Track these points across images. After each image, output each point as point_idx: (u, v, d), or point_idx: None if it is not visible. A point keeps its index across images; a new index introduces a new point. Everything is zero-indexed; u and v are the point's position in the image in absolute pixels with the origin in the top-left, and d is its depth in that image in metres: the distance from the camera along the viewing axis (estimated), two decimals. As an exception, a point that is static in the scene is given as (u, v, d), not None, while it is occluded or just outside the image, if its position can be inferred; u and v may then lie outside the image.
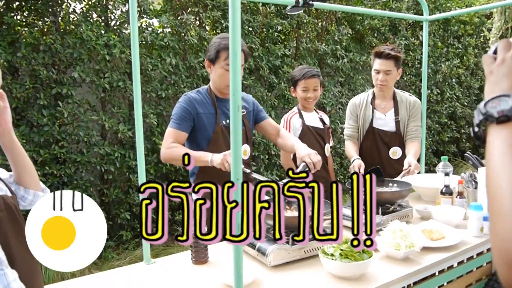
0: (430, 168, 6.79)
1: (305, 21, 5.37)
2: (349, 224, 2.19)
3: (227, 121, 2.29)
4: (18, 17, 3.65)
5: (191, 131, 2.25)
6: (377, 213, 2.19)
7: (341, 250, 1.65)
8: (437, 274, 1.86)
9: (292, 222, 1.78)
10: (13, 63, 3.50)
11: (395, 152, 2.88)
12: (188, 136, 2.25)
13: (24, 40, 3.54)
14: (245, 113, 2.35)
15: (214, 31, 4.80)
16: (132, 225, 4.22)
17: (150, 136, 4.26)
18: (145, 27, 4.26)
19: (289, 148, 2.37)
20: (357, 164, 2.68)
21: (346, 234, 1.76)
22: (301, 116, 2.84)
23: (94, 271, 3.48)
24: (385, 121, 2.90)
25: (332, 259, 1.63)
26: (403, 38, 6.55)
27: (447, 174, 2.44)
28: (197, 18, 4.59)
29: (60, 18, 3.78)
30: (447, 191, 2.40)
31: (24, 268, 1.20)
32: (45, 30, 3.74)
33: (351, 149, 2.88)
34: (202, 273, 1.73)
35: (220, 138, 2.26)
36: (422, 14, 3.34)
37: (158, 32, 4.34)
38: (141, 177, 1.89)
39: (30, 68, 3.58)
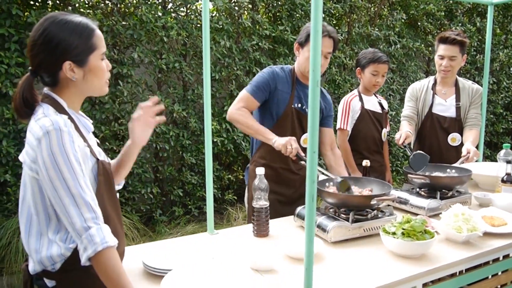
0: (482, 159, 6.57)
1: (358, 5, 5.29)
2: (406, 207, 2.22)
3: (299, 105, 2.33)
4: (83, -1, 3.83)
5: (263, 103, 2.30)
6: (435, 198, 2.19)
7: (403, 229, 1.67)
8: (491, 263, 1.84)
9: (352, 200, 1.83)
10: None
11: (454, 139, 2.83)
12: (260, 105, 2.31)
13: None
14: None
15: (267, 15, 4.83)
16: (184, 202, 4.39)
17: (203, 117, 4.38)
18: (200, 10, 4.35)
19: (333, 171, 2.41)
20: (404, 133, 2.60)
21: (408, 215, 1.79)
22: (361, 99, 2.84)
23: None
24: (445, 107, 2.85)
25: (394, 237, 1.66)
26: (460, 24, 6.31)
27: (509, 162, 2.38)
28: (251, 1, 4.63)
29: (121, 1, 3.93)
30: (508, 179, 2.35)
31: (113, 226, 1.32)
32: (108, 12, 3.91)
33: (405, 126, 2.81)
34: (264, 245, 1.81)
35: (288, 120, 2.30)
36: (486, -2, 3.22)
37: (213, 15, 4.42)
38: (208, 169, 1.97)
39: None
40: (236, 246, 1.83)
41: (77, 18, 1.34)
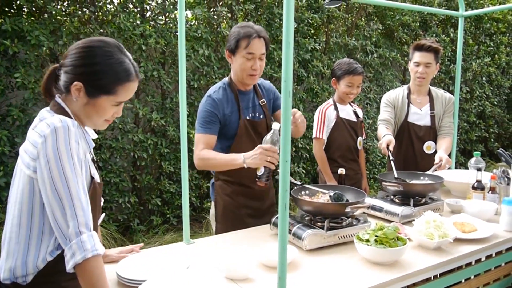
0: (456, 166, 6.72)
1: (335, 15, 5.38)
2: (380, 214, 2.25)
3: (251, 114, 2.29)
4: (59, 7, 3.78)
5: None
6: (409, 205, 2.24)
7: (376, 236, 1.70)
8: (464, 267, 1.89)
9: (327, 208, 1.86)
10: (55, 51, 3.65)
11: (429, 147, 2.90)
12: None
13: (65, 29, 3.67)
14: (265, 103, 2.34)
15: (246, 24, 4.86)
16: (162, 211, 4.35)
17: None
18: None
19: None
20: (386, 139, 2.62)
21: (381, 223, 1.82)
22: (336, 108, 2.88)
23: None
24: (420, 116, 2.91)
25: (367, 244, 1.69)
26: (434, 35, 6.48)
27: (479, 170, 2.45)
28: (230, 11, 4.66)
29: (99, 8, 3.90)
30: (479, 186, 2.42)
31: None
32: (85, 19, 3.88)
33: (383, 130, 2.82)
34: (240, 253, 1.81)
35: (243, 134, 2.26)
36: (454, 10, 3.32)
37: (192, 23, 4.43)
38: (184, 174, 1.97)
39: (70, 56, 3.71)
40: (212, 255, 1.83)
41: (125, 58, 1.35)
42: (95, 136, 1.52)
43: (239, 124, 2.23)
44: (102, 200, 1.57)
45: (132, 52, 4.04)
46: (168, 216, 4.34)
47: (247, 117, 2.27)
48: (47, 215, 1.27)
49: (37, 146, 1.24)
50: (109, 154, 3.92)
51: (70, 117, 1.33)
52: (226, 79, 2.32)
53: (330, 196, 1.94)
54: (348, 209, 1.84)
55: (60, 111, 1.34)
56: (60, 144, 1.22)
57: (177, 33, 4.29)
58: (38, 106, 3.59)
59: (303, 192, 2.08)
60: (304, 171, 5.22)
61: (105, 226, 3.86)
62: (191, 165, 4.51)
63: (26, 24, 3.42)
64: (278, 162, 1.98)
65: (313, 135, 2.86)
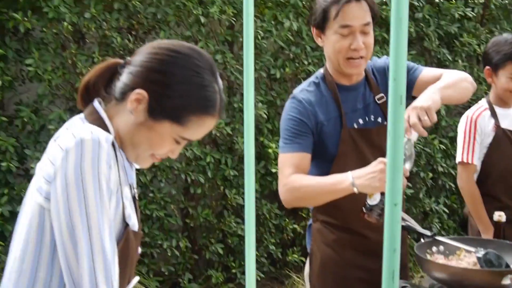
0: None
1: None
2: None
3: (359, 122, 2.29)
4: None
5: None
6: None
7: None
8: None
9: (473, 277, 1.80)
10: (80, 27, 3.86)
11: None
12: None
13: (93, -4, 3.88)
14: (384, 99, 2.31)
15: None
16: (225, 263, 4.39)
17: (256, 135, 4.36)
18: (255, -25, 4.41)
19: None
20: None
21: None
22: (493, 114, 2.85)
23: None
24: None
25: None
26: None
27: None
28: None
29: (141, -35, 4.08)
30: None
31: None
32: (122, -19, 4.07)
33: None
34: None
35: (348, 152, 2.25)
36: None
37: (273, -18, 4.48)
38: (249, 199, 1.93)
39: (100, 34, 3.91)
40: None
41: (215, 84, 1.44)
42: (138, 165, 1.56)
43: (341, 136, 2.23)
44: (140, 249, 1.60)
45: (187, 26, 4.17)
46: (233, 270, 4.37)
47: (355, 125, 2.27)
48: (58, 263, 1.32)
49: (56, 164, 1.29)
50: (150, 176, 4.05)
51: (107, 130, 1.39)
52: (320, 70, 2.35)
53: (478, 257, 1.92)
54: (507, 281, 1.78)
55: (98, 122, 1.40)
56: (86, 163, 1.27)
57: (252, -2, 4.34)
58: (56, 105, 3.81)
59: (434, 249, 2.09)
60: (447, 211, 5.03)
61: (142, 281, 3.97)
62: (269, 195, 4.54)
63: (43, -9, 3.66)
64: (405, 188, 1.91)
65: (458, 159, 2.85)
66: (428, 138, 4.83)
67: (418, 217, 5.08)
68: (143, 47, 1.46)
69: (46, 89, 3.71)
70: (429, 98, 1.96)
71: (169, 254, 4.18)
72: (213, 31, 4.32)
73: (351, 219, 2.23)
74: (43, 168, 1.34)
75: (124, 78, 1.41)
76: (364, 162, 2.17)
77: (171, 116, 1.39)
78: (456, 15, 4.94)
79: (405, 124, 1.86)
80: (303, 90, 2.28)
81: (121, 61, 1.46)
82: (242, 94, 4.34)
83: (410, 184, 4.89)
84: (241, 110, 4.34)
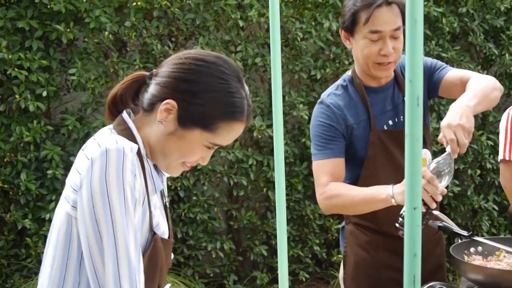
0: None
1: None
2: None
3: (389, 123, 2.26)
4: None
5: None
6: None
7: None
8: None
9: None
10: (120, 35, 3.94)
11: None
12: None
13: (134, 4, 3.95)
14: None
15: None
16: (270, 264, 4.41)
17: (298, 136, 4.40)
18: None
19: None
20: None
21: None
22: None
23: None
24: None
25: None
26: None
27: None
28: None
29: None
30: None
31: None
32: (161, -11, 4.13)
33: None
34: None
35: (378, 154, 2.22)
36: None
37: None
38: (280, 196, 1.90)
39: (141, 42, 3.98)
40: None
41: (242, 91, 1.45)
42: (168, 173, 1.57)
43: (370, 139, 2.21)
44: (172, 255, 1.62)
45: (226, 30, 4.20)
46: (278, 271, 4.36)
47: (385, 127, 2.25)
48: (85, 270, 1.34)
49: (82, 173, 1.33)
50: (193, 180, 4.10)
51: (134, 140, 1.41)
52: (348, 72, 2.32)
53: None
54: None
55: (125, 132, 1.43)
56: (111, 172, 1.29)
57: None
58: (100, 113, 3.89)
59: (472, 249, 2.04)
60: (497, 208, 4.93)
61: (189, 283, 4.02)
62: (312, 195, 4.51)
63: (84, 1, 3.75)
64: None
65: (500, 157, 2.82)
66: (475, 134, 4.73)
67: (466, 215, 4.99)
68: (169, 58, 1.48)
69: (89, 97, 3.80)
70: (464, 116, 1.88)
71: (213, 256, 4.22)
72: (253, 34, 4.34)
73: (384, 223, 2.20)
74: (71, 178, 1.37)
75: (152, 89, 1.43)
76: (394, 165, 2.18)
77: (200, 124, 1.40)
78: (502, 8, 4.82)
79: (452, 145, 1.84)
80: (330, 94, 2.25)
81: (147, 73, 1.49)
82: (283, 96, 4.34)
83: (457, 182, 4.82)
84: (284, 112, 4.32)
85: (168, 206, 1.57)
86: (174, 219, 4.09)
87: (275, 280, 4.41)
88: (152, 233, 1.42)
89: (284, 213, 1.90)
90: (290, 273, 4.39)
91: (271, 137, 4.27)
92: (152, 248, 1.41)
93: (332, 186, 2.13)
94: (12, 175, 3.71)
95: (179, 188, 4.06)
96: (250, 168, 4.23)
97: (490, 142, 4.83)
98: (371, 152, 2.20)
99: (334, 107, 2.20)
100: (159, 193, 1.54)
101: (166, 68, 1.44)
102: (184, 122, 1.40)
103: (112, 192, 1.28)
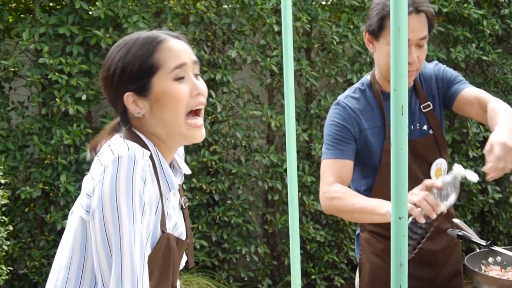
0: None
1: None
2: None
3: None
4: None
5: None
6: None
7: None
8: None
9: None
10: (158, 40, 3.99)
11: None
12: None
13: (171, 9, 4.00)
14: (430, 107, 2.27)
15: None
16: (305, 269, 4.39)
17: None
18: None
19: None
20: None
21: None
22: None
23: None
24: None
25: None
26: None
27: None
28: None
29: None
30: None
31: None
32: (197, -6, 4.18)
33: None
34: None
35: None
36: None
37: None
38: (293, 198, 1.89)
39: (178, 46, 4.02)
40: None
41: (142, 33, 1.48)
42: (188, 171, 1.60)
43: (384, 146, 2.19)
44: (185, 257, 1.63)
45: (262, 35, 4.22)
46: (313, 277, 4.37)
47: None
48: None
49: (95, 179, 1.36)
50: (228, 184, 4.13)
51: (145, 145, 1.44)
52: (367, 76, 2.30)
53: None
54: None
55: (132, 137, 1.45)
56: (121, 178, 1.31)
57: (326, 3, 4.35)
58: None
59: (491, 259, 2.00)
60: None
61: (223, 287, 4.03)
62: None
63: (123, 7, 3.82)
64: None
65: None
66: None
67: (509, 222, 4.91)
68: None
69: (128, 101, 3.84)
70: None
71: (248, 259, 4.23)
72: (288, 38, 4.34)
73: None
74: (86, 183, 1.41)
75: (117, 115, 1.51)
76: (409, 173, 2.15)
77: (148, 75, 1.41)
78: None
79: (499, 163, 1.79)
80: (347, 96, 2.25)
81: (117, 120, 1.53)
82: (319, 101, 4.35)
83: (498, 188, 4.74)
84: (318, 117, 4.34)
85: (185, 206, 1.57)
86: (209, 222, 4.13)
87: (309, 285, 4.41)
88: (161, 232, 1.43)
89: (297, 212, 1.88)
90: (325, 279, 4.38)
91: (307, 141, 4.28)
92: (165, 248, 1.43)
93: (336, 188, 2.12)
94: (53, 177, 3.82)
95: (214, 192, 4.09)
96: (285, 172, 4.22)
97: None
98: (385, 160, 2.18)
99: (350, 109, 2.20)
100: (177, 193, 1.55)
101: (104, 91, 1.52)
102: (143, 91, 1.42)
103: (120, 197, 1.30)
